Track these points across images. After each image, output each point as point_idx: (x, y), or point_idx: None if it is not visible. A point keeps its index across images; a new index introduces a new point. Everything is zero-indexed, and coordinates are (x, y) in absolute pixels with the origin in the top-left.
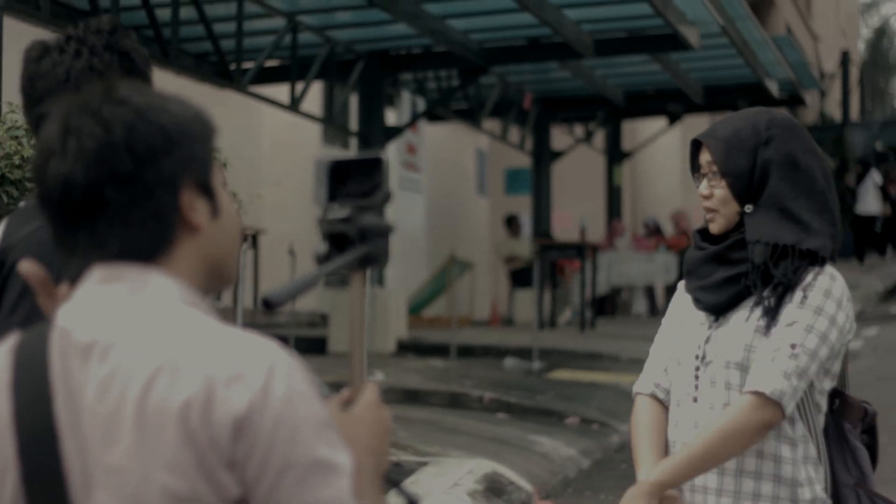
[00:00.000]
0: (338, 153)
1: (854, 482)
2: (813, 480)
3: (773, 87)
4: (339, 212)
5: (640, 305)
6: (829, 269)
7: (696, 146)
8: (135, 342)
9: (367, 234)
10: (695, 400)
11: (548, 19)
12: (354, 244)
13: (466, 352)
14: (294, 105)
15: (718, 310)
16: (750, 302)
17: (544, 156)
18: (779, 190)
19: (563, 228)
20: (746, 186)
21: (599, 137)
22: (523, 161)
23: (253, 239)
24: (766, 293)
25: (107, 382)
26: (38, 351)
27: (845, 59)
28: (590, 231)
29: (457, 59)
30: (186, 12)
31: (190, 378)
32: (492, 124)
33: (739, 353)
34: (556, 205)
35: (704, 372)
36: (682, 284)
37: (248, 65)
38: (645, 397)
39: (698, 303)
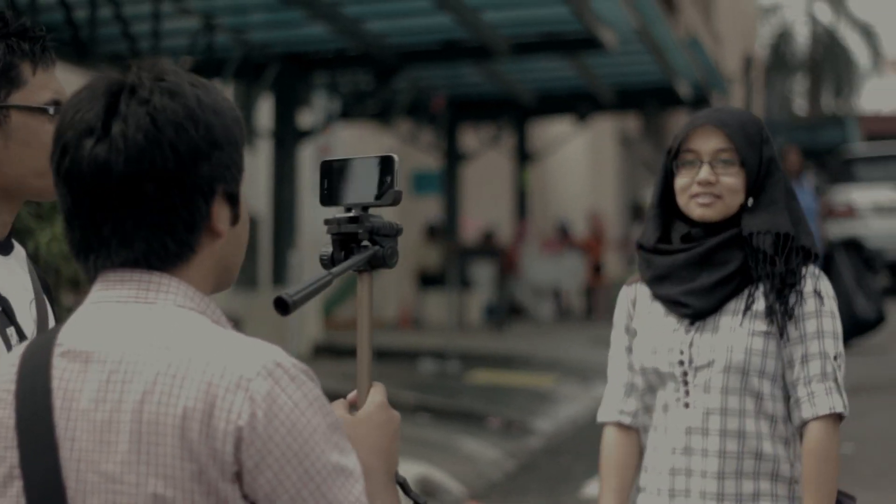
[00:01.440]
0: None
1: None
2: None
3: (683, 89)
4: (347, 212)
5: (545, 309)
6: (820, 273)
7: (688, 133)
8: (136, 350)
9: (376, 235)
10: (686, 405)
11: (465, 21)
12: (361, 245)
13: (382, 354)
14: None
15: (704, 314)
16: (735, 305)
17: (454, 158)
18: (779, 188)
19: (471, 231)
20: (755, 179)
21: (507, 140)
22: (430, 164)
23: None
24: (768, 293)
25: (104, 389)
26: (42, 360)
27: (748, 63)
28: (498, 234)
29: (372, 61)
30: (103, 12)
31: (190, 387)
32: (403, 126)
33: (740, 357)
34: (464, 208)
35: (695, 377)
36: (634, 290)
37: None
38: (611, 428)
39: (683, 307)
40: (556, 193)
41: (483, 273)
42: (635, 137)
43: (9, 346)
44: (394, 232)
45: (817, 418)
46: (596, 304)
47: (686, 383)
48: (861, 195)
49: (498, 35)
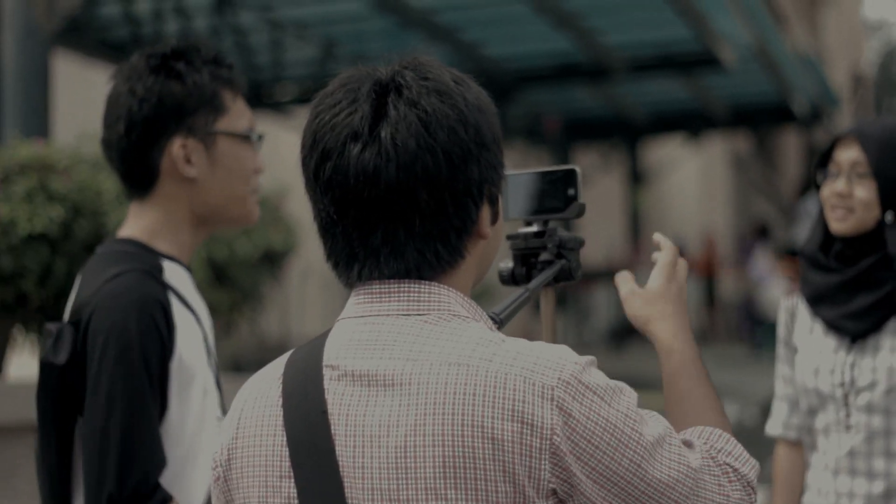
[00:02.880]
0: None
1: None
2: None
3: (799, 106)
4: (528, 226)
5: None
6: None
7: (834, 143)
8: (425, 368)
9: (562, 248)
10: (847, 428)
11: (583, 43)
12: (540, 259)
13: None
14: None
15: (863, 335)
16: (894, 324)
17: None
18: None
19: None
20: (893, 193)
21: (619, 161)
22: None
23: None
24: None
25: (395, 413)
26: (313, 382)
27: (857, 80)
28: (612, 256)
29: (490, 84)
30: (227, 43)
31: (495, 405)
32: (518, 148)
33: None
34: (581, 230)
35: (857, 399)
36: (794, 303)
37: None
38: (780, 442)
39: (842, 331)
40: (669, 215)
41: (602, 294)
42: (746, 158)
43: (217, 379)
44: (578, 245)
45: None
46: (712, 326)
47: (847, 405)
48: None
49: (615, 55)
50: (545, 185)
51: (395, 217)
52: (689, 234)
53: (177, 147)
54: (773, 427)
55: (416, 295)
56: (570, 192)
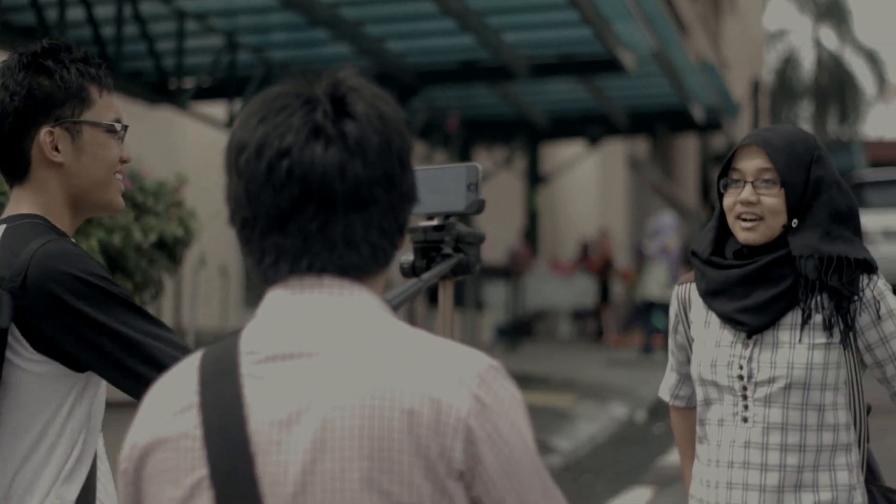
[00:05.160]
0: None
1: (864, 480)
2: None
3: (698, 113)
4: (433, 221)
5: (560, 329)
6: (878, 275)
7: (735, 151)
8: (344, 350)
9: (461, 243)
10: (744, 420)
11: (486, 42)
12: (442, 253)
13: None
14: (231, 123)
15: (760, 330)
16: (792, 318)
17: None
18: (827, 208)
19: (484, 250)
20: (799, 200)
21: (519, 161)
22: None
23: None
24: (824, 305)
25: (318, 388)
26: (227, 367)
27: (756, 88)
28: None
29: (392, 81)
30: (129, 30)
31: (418, 385)
32: (418, 147)
33: (801, 372)
34: (478, 228)
35: (755, 391)
36: (686, 290)
37: (186, 83)
38: (672, 408)
39: (739, 325)
40: (566, 215)
41: (495, 293)
42: (644, 161)
43: None
44: (477, 240)
45: None
46: (606, 327)
47: (745, 398)
48: (870, 220)
49: (518, 56)
50: (446, 181)
51: (357, 211)
52: (587, 234)
53: (44, 135)
54: (663, 392)
55: (348, 289)
56: (471, 188)
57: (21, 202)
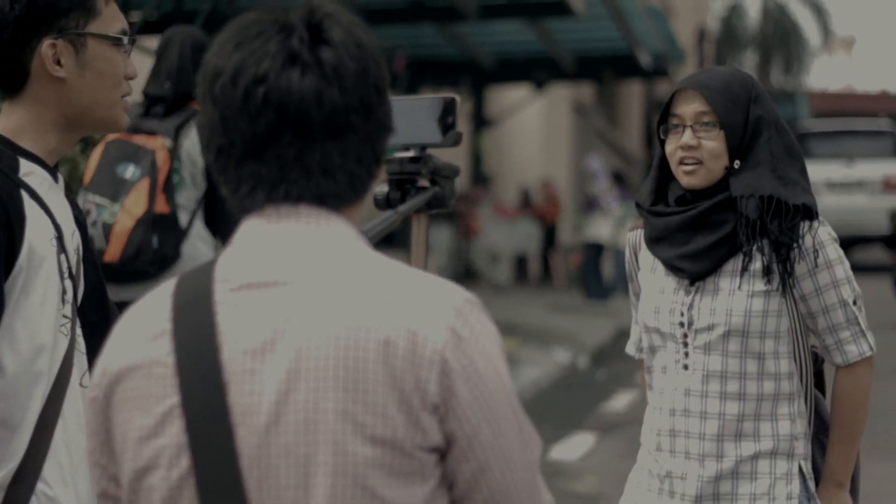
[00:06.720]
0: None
1: (814, 431)
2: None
3: (644, 59)
4: (408, 152)
5: (502, 274)
6: (820, 222)
7: (672, 96)
8: (320, 280)
9: (437, 175)
10: (685, 367)
11: None
12: (417, 185)
13: None
14: None
15: (701, 276)
16: (733, 265)
17: None
18: (768, 148)
19: None
20: (739, 141)
21: (465, 104)
22: None
23: None
24: (764, 252)
25: (293, 316)
26: (201, 294)
27: (701, 36)
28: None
29: None
30: None
31: (394, 316)
32: None
33: (740, 320)
34: None
35: (695, 339)
36: (636, 236)
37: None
38: (642, 363)
39: (679, 271)
40: (511, 159)
41: (439, 237)
42: (589, 106)
43: (61, 274)
44: (453, 174)
45: (848, 366)
46: (553, 271)
47: (686, 345)
48: (813, 171)
49: None
50: (423, 112)
51: (334, 139)
52: (531, 178)
53: (46, 47)
54: (630, 348)
55: (325, 220)
56: (449, 120)
57: (9, 116)
